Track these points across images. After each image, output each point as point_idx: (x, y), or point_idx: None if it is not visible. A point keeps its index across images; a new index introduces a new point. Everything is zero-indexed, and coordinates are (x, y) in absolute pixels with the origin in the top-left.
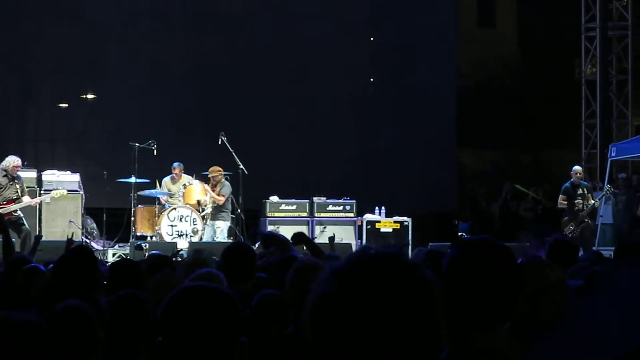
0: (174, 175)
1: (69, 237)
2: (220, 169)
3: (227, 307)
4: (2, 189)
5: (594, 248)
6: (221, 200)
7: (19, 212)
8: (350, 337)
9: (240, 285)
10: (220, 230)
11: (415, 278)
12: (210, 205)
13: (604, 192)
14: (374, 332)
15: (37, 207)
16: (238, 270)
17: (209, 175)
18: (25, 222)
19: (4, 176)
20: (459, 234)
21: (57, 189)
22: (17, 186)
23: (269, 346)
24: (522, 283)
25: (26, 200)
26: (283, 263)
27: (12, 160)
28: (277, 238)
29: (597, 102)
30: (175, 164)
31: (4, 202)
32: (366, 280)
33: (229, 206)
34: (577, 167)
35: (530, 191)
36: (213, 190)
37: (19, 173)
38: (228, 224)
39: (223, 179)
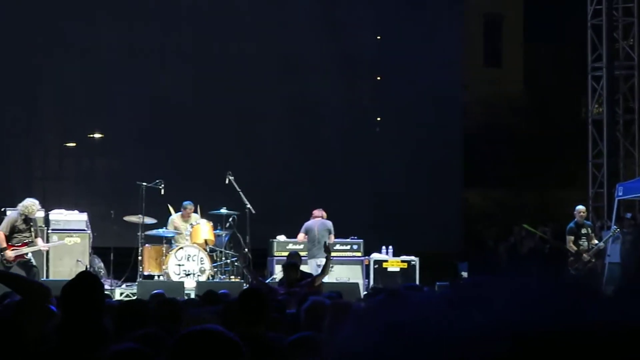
0: (184, 213)
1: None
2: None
3: (233, 352)
4: (18, 232)
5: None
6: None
7: (29, 254)
8: None
9: (253, 329)
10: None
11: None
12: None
13: (611, 233)
14: None
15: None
16: (252, 313)
17: None
18: (34, 263)
19: (23, 220)
20: (460, 273)
21: (69, 237)
22: (32, 229)
23: None
24: None
25: (39, 243)
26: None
27: (35, 208)
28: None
29: (604, 141)
30: (187, 203)
31: (18, 245)
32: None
33: (308, 245)
34: (580, 207)
35: (538, 231)
36: None
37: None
38: (312, 261)
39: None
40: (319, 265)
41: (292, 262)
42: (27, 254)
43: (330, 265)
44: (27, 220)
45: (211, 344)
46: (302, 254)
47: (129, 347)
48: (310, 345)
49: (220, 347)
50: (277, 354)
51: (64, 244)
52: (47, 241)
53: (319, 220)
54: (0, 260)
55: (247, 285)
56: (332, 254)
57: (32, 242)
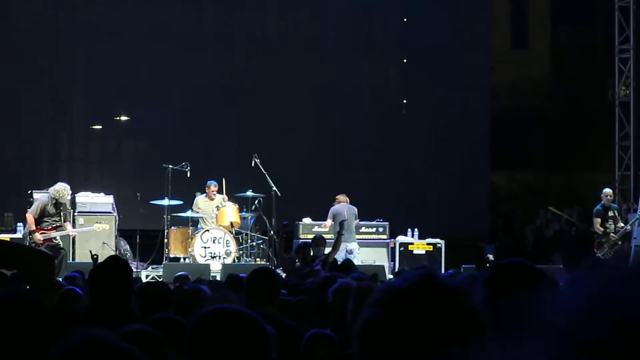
0: (208, 193)
1: (93, 256)
2: (336, 197)
3: (254, 330)
4: (48, 216)
5: None
6: (324, 225)
7: (57, 238)
8: None
9: (263, 309)
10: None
11: (460, 306)
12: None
13: (638, 215)
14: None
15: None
16: (261, 293)
17: None
18: (62, 246)
19: (53, 204)
20: (486, 256)
21: (98, 223)
22: (62, 214)
23: None
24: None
25: (68, 228)
26: (323, 285)
27: (66, 192)
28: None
29: (630, 123)
30: (210, 182)
31: (48, 228)
32: (417, 312)
33: (338, 228)
34: (607, 190)
35: (564, 213)
36: None
37: None
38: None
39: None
40: (348, 251)
41: (304, 243)
42: (55, 237)
43: (358, 248)
44: (58, 204)
45: (234, 323)
46: (327, 236)
47: (138, 329)
48: (327, 342)
49: (242, 327)
50: (292, 341)
51: (93, 230)
52: (73, 223)
53: (346, 205)
54: (29, 242)
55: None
56: (358, 236)
57: (61, 226)
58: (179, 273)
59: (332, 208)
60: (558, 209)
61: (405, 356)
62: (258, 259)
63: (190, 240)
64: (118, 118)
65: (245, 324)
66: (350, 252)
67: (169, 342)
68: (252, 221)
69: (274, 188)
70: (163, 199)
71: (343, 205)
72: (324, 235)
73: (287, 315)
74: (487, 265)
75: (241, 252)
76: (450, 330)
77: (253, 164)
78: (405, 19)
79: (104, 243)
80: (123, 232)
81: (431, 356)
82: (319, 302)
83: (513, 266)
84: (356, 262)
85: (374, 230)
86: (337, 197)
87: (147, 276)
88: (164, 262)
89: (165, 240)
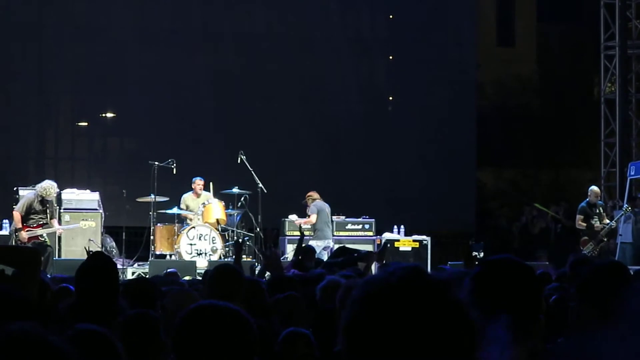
0: (195, 189)
1: (87, 249)
2: (310, 193)
3: (242, 326)
4: (35, 213)
5: None
6: (308, 221)
7: (44, 235)
8: (382, 356)
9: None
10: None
11: (448, 301)
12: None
13: (622, 211)
14: (407, 354)
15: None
16: (225, 291)
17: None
18: (48, 243)
19: (40, 201)
20: (473, 253)
21: (84, 220)
22: (48, 211)
23: None
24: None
25: (55, 225)
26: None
27: (53, 190)
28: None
29: (616, 120)
30: (197, 179)
31: (34, 226)
32: (398, 307)
33: (319, 225)
34: (594, 187)
35: (550, 210)
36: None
37: None
38: (320, 243)
39: (311, 201)
40: (325, 249)
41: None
42: (41, 235)
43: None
44: (44, 201)
45: (221, 318)
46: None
47: (88, 329)
48: (303, 341)
49: (229, 322)
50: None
51: (79, 227)
52: (59, 220)
53: (323, 202)
54: (15, 240)
55: (259, 264)
56: (344, 233)
57: (47, 223)
58: (169, 269)
59: (314, 204)
60: (544, 206)
61: (395, 351)
62: (244, 256)
63: (176, 237)
64: (104, 115)
65: (232, 319)
66: (327, 248)
67: (145, 338)
68: (238, 218)
69: (260, 185)
70: (149, 195)
71: (323, 202)
72: (305, 232)
73: (276, 311)
74: (476, 262)
75: (227, 248)
76: (441, 325)
77: (239, 161)
78: (391, 16)
79: (90, 240)
80: (109, 229)
81: (421, 351)
82: (308, 299)
83: (502, 262)
84: None
85: (360, 227)
86: (311, 194)
87: (133, 273)
88: (150, 259)
89: (152, 237)
